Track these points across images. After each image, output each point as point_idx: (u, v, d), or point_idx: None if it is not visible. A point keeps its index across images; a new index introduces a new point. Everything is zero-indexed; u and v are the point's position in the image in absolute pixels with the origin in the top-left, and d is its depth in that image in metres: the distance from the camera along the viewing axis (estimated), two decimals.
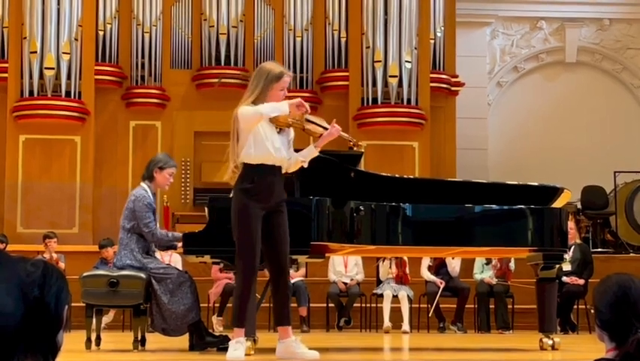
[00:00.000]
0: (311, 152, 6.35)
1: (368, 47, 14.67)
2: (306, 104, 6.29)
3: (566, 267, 11.30)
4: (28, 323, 1.84)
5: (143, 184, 7.44)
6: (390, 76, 14.54)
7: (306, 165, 6.39)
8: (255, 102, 6.22)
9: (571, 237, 10.07)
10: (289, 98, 6.42)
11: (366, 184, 7.28)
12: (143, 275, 7.13)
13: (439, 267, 11.95)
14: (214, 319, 11.23)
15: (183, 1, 14.83)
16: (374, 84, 14.59)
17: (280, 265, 6.33)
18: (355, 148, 6.53)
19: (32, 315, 1.86)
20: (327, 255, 7.75)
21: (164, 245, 7.53)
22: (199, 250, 6.97)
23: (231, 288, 10.46)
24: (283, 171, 6.35)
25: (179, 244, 7.14)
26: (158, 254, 7.86)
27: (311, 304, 11.74)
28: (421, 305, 11.92)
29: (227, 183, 6.46)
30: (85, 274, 7.49)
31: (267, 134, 6.21)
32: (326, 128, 6.36)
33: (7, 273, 1.84)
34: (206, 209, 7.06)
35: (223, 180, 6.48)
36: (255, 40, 14.83)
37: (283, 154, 6.26)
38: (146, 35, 14.51)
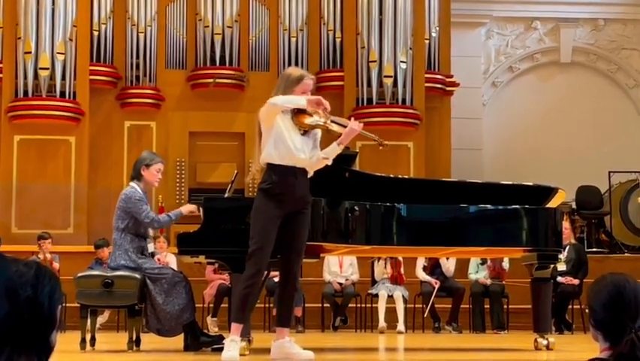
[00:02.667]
0: (334, 149, 6.31)
1: (363, 47, 14.68)
2: (326, 102, 6.25)
3: (561, 267, 11.31)
4: (16, 322, 1.84)
5: (132, 183, 7.46)
6: (385, 76, 14.54)
7: (329, 163, 6.37)
8: None
9: (565, 237, 10.08)
10: None
11: (360, 184, 7.29)
12: (137, 275, 7.13)
13: (433, 267, 11.96)
14: (209, 319, 11.22)
15: (178, 1, 14.81)
16: (369, 84, 14.60)
17: (291, 270, 6.36)
18: (381, 147, 6.51)
19: (21, 314, 1.86)
20: (322, 255, 7.76)
21: (168, 226, 7.62)
22: (193, 251, 6.98)
23: (226, 288, 10.49)
24: (310, 172, 6.32)
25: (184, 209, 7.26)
26: (151, 245, 7.85)
27: (306, 305, 11.73)
28: (416, 305, 11.92)
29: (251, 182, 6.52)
30: (79, 274, 7.48)
31: (290, 134, 6.21)
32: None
33: None
34: (200, 209, 7.06)
35: (247, 181, 6.54)
36: (250, 41, 14.82)
37: (303, 155, 6.23)
38: (141, 35, 14.49)
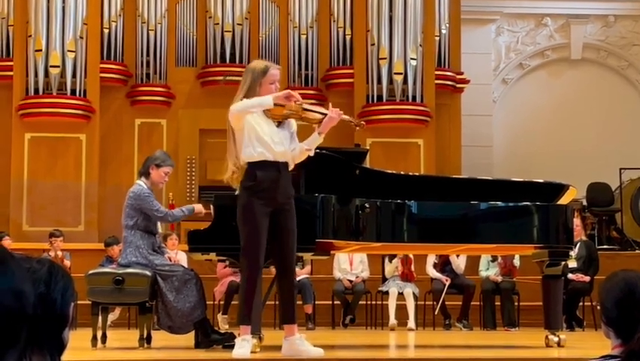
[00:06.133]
0: (315, 139, 6.27)
1: (373, 45, 14.67)
2: (296, 94, 6.22)
3: (572, 264, 11.28)
4: (35, 315, 1.85)
5: (138, 181, 7.48)
6: (395, 73, 14.53)
7: (312, 154, 6.34)
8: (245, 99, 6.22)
9: (576, 234, 10.06)
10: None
11: (371, 181, 7.28)
12: (148, 273, 7.14)
13: (444, 264, 11.94)
14: (219, 316, 11.22)
15: None
16: (379, 81, 14.59)
17: (286, 265, 6.33)
18: (358, 128, 6.47)
19: (40, 308, 1.86)
20: (332, 252, 7.75)
21: (180, 220, 7.73)
22: (204, 248, 6.98)
23: (236, 286, 10.49)
24: (291, 165, 6.31)
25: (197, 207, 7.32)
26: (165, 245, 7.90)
27: (316, 302, 11.73)
28: (427, 303, 11.91)
29: (227, 183, 6.47)
30: (90, 271, 7.49)
31: (264, 129, 6.18)
32: (324, 114, 6.28)
33: (18, 265, 1.85)
34: (211, 207, 7.07)
35: (224, 181, 6.48)
36: (260, 38, 14.83)
37: (283, 148, 6.21)
38: (151, 33, 14.51)
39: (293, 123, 6.36)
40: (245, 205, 6.21)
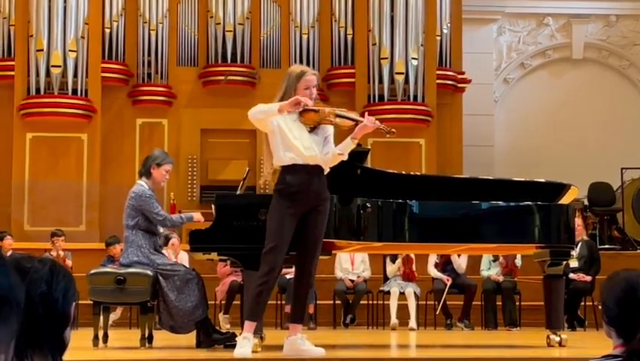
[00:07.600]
0: (348, 145, 6.30)
1: (374, 44, 14.67)
2: (304, 99, 6.22)
3: (573, 263, 11.28)
4: (37, 315, 1.85)
5: (140, 181, 7.49)
6: (397, 73, 14.54)
7: (345, 158, 6.37)
8: None
9: (578, 233, 10.06)
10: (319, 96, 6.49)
11: (372, 181, 7.28)
12: (149, 272, 7.14)
13: (445, 264, 11.94)
14: (221, 316, 11.23)
15: None
16: (380, 81, 14.59)
17: (305, 269, 6.38)
18: (389, 135, 6.52)
19: (41, 308, 1.86)
20: (333, 252, 7.75)
21: (179, 227, 7.71)
22: (206, 248, 6.99)
23: (237, 285, 10.50)
24: (325, 169, 6.33)
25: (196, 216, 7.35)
26: (165, 251, 7.89)
27: (318, 302, 11.73)
28: (428, 302, 11.91)
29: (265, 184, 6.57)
30: (92, 271, 7.49)
31: (294, 134, 6.23)
32: (355, 120, 6.34)
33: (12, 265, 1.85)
34: (212, 206, 7.08)
35: (259, 183, 6.59)
36: (262, 38, 14.83)
37: (313, 152, 6.24)
38: (153, 33, 14.52)
39: (329, 128, 6.39)
40: (272, 208, 6.28)
